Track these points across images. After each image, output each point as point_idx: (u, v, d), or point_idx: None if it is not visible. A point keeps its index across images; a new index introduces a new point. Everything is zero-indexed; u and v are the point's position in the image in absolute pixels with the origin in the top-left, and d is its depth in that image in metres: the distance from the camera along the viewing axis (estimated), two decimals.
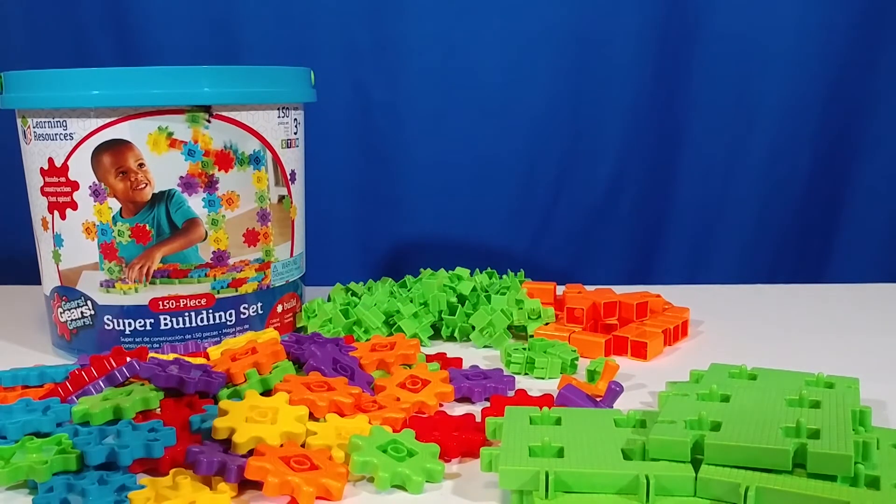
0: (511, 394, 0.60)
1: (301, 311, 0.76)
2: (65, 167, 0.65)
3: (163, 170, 0.65)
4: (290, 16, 0.99)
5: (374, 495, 0.46)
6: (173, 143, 0.64)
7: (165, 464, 0.47)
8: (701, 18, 0.99)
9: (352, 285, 0.83)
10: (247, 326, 0.70)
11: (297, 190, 0.74)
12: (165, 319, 0.67)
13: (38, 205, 0.69)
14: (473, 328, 0.73)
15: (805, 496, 0.40)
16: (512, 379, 0.61)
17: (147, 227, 0.66)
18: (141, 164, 0.64)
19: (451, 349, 0.72)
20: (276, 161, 0.70)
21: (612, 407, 0.56)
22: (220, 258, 0.68)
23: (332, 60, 1.00)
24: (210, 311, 0.68)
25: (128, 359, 0.58)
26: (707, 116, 1.02)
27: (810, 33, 0.99)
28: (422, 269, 0.82)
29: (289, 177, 0.72)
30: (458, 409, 0.58)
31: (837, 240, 1.06)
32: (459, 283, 0.76)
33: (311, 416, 0.53)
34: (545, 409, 0.50)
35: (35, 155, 0.67)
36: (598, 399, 0.57)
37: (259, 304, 0.71)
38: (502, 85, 1.01)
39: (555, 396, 0.57)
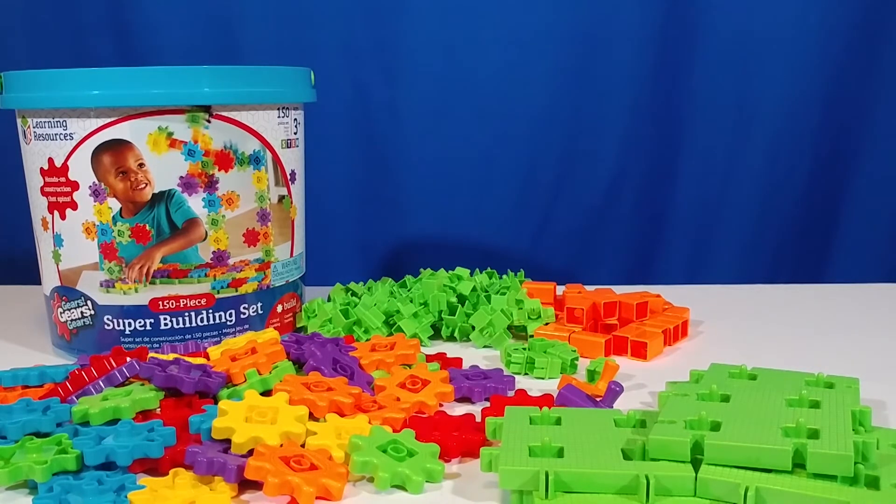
0: (511, 394, 0.60)
1: (301, 311, 0.76)
2: (65, 167, 0.65)
3: (163, 170, 0.65)
4: (290, 16, 0.99)
5: (374, 495, 0.46)
6: (173, 143, 0.64)
7: (165, 464, 0.47)
8: (700, 18, 0.99)
9: (352, 285, 0.83)
10: (247, 326, 0.71)
11: (297, 190, 0.74)
12: (165, 319, 0.67)
13: (38, 205, 0.69)
14: (473, 328, 0.73)
15: (805, 496, 0.40)
16: (512, 379, 0.61)
17: (147, 227, 0.66)
18: (141, 164, 0.64)
19: (451, 349, 0.72)
20: (276, 161, 0.70)
21: (612, 407, 0.56)
22: (220, 258, 0.68)
23: (332, 60, 1.00)
24: (210, 311, 0.68)
25: (128, 359, 0.58)
26: (707, 116, 1.02)
27: (810, 33, 0.99)
28: (422, 269, 0.82)
29: (289, 177, 0.72)
30: (458, 409, 0.58)
31: (837, 240, 1.06)
32: (459, 283, 0.76)
33: (311, 416, 0.53)
34: (545, 409, 0.50)
35: (35, 155, 0.67)
36: (598, 399, 0.57)
37: (259, 304, 0.71)
38: (502, 85, 1.01)
39: (555, 396, 0.57)
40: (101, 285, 0.67)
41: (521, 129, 1.03)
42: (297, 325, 0.76)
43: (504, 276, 0.83)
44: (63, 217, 0.67)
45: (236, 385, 0.57)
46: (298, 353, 0.62)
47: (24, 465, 0.45)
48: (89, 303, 0.68)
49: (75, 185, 0.65)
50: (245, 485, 0.46)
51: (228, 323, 0.69)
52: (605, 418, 0.49)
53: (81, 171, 0.65)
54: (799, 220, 1.05)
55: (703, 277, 1.05)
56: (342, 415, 0.53)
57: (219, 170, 0.66)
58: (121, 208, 0.65)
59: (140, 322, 0.67)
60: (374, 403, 0.55)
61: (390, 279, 0.84)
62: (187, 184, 0.65)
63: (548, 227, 1.06)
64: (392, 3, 0.99)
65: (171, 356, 0.61)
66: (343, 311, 0.74)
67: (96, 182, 0.65)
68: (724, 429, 0.44)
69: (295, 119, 0.72)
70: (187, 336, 0.68)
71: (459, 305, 0.75)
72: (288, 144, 0.71)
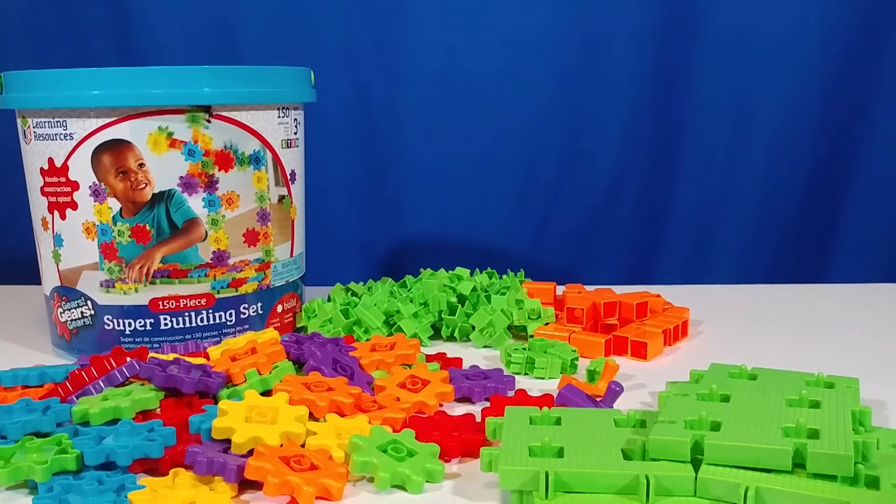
0: (511, 394, 0.60)
1: (301, 311, 0.76)
2: (65, 167, 0.65)
3: (163, 170, 0.65)
4: (290, 16, 0.99)
5: (374, 495, 0.46)
6: (173, 143, 0.64)
7: (165, 464, 0.47)
8: (700, 18, 0.99)
9: (352, 285, 0.83)
10: (247, 326, 0.71)
11: (297, 190, 0.74)
12: (165, 319, 0.67)
13: (38, 205, 0.69)
14: (473, 328, 0.73)
15: (805, 496, 0.40)
16: (512, 379, 0.61)
17: (147, 227, 0.66)
18: (141, 164, 0.64)
19: (451, 349, 0.72)
20: (276, 161, 0.70)
21: (612, 407, 0.56)
22: (220, 258, 0.68)
23: (332, 60, 1.00)
24: (210, 311, 0.68)
25: (128, 359, 0.58)
26: (707, 116, 1.02)
27: (810, 33, 0.99)
28: (422, 269, 0.82)
29: (289, 177, 0.72)
30: (458, 409, 0.58)
31: (837, 240, 1.06)
32: (459, 283, 0.76)
33: (311, 416, 0.53)
34: (545, 409, 0.50)
35: (35, 155, 0.67)
36: (598, 399, 0.57)
37: (259, 304, 0.71)
38: (502, 85, 1.01)
39: (555, 396, 0.57)
40: (101, 285, 0.67)
41: (521, 129, 1.03)
42: (297, 325, 0.76)
43: (504, 276, 0.83)
44: (63, 217, 0.67)
45: (236, 385, 0.57)
46: (298, 353, 0.62)
47: (24, 465, 0.45)
48: (89, 303, 0.68)
49: (75, 185, 0.65)
50: (245, 485, 0.46)
51: (228, 323, 0.69)
52: (605, 418, 0.49)
53: (81, 171, 0.65)
54: (799, 220, 1.05)
55: (703, 277, 1.05)
56: (342, 415, 0.53)
57: (219, 170, 0.66)
58: (121, 208, 0.65)
59: (140, 322, 0.67)
60: (374, 403, 0.55)
61: (390, 279, 0.84)
62: (187, 184, 0.65)
63: (548, 227, 1.06)
64: (392, 3, 0.99)
65: (171, 356, 0.61)
66: (343, 311, 0.74)
67: (96, 182, 0.65)
68: (724, 429, 0.44)
69: (295, 119, 0.72)
70: (187, 336, 0.68)
71: (459, 305, 0.75)
72: (288, 144, 0.71)
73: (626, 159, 1.04)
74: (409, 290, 0.79)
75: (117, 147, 0.64)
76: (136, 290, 0.67)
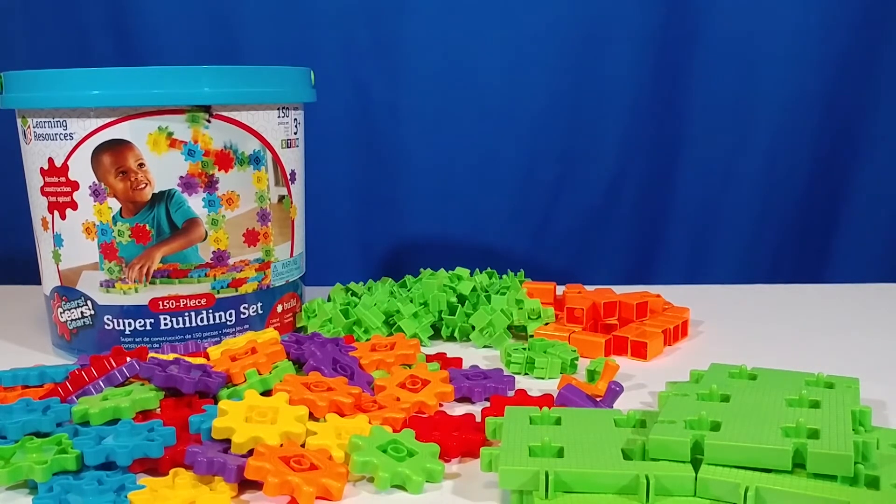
0: (511, 394, 0.60)
1: (301, 311, 0.76)
2: (65, 167, 0.65)
3: (163, 170, 0.65)
4: (290, 16, 0.99)
5: (374, 495, 0.46)
6: (173, 143, 0.64)
7: (165, 464, 0.47)
8: (701, 18, 0.99)
9: (352, 285, 0.83)
10: (247, 326, 0.71)
11: (297, 190, 0.74)
12: (165, 319, 0.67)
13: (38, 205, 0.69)
14: (473, 328, 0.73)
15: (805, 496, 0.40)
16: (512, 379, 0.61)
17: (147, 227, 0.66)
18: (141, 164, 0.64)
19: (451, 349, 0.72)
20: (276, 161, 0.70)
21: (612, 407, 0.56)
22: (220, 258, 0.68)
23: (332, 60, 1.00)
24: (210, 311, 0.68)
25: (128, 359, 0.58)
26: (707, 116, 1.02)
27: (810, 33, 0.99)
28: (422, 269, 0.82)
29: (289, 177, 0.72)
30: (458, 409, 0.58)
31: (837, 240, 1.06)
32: (459, 283, 0.76)
33: (311, 416, 0.53)
34: (545, 409, 0.50)
35: (35, 155, 0.67)
36: (598, 399, 0.57)
37: (259, 304, 0.71)
38: (502, 85, 1.01)
39: (555, 396, 0.57)
40: (101, 285, 0.67)
41: (521, 129, 1.03)
42: (297, 325, 0.76)
43: (504, 276, 0.83)
44: (63, 217, 0.67)
45: (236, 385, 0.57)
46: (298, 353, 0.62)
47: (24, 465, 0.45)
48: (89, 303, 0.68)
49: (75, 185, 0.65)
50: (245, 485, 0.46)
51: (228, 323, 0.69)
52: (605, 418, 0.49)
53: (81, 171, 0.65)
54: (799, 220, 1.05)
55: (703, 277, 1.05)
56: (342, 415, 0.53)
57: (219, 170, 0.66)
58: (121, 208, 0.65)
59: (140, 322, 0.67)
60: (374, 403, 0.55)
61: (390, 279, 0.84)
62: (187, 184, 0.65)
63: (548, 227, 1.06)
64: (392, 3, 0.99)
65: (171, 356, 0.61)
66: (343, 311, 0.74)
67: (96, 182, 0.65)
68: (724, 429, 0.44)
69: (295, 119, 0.72)
70: (187, 336, 0.68)
71: (459, 305, 0.75)
72: (288, 144, 0.71)
73: (626, 159, 1.04)
74: (409, 290, 0.79)
75: (117, 147, 0.64)
76: (136, 290, 0.67)
